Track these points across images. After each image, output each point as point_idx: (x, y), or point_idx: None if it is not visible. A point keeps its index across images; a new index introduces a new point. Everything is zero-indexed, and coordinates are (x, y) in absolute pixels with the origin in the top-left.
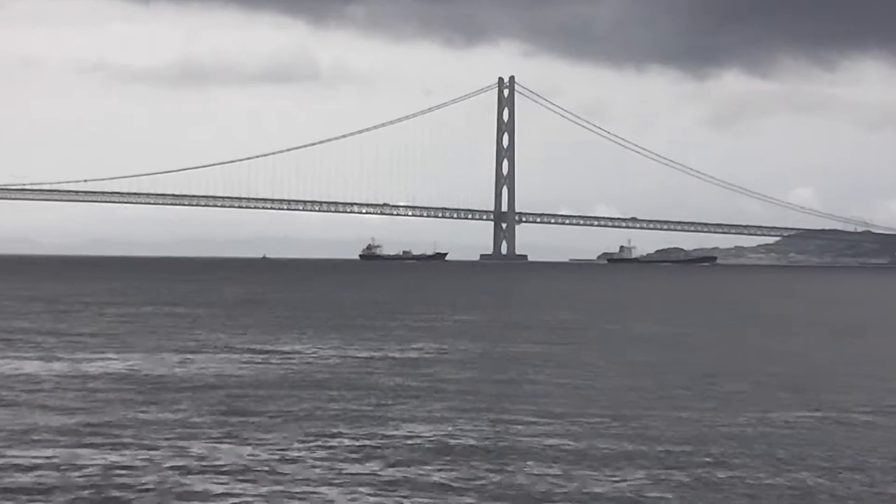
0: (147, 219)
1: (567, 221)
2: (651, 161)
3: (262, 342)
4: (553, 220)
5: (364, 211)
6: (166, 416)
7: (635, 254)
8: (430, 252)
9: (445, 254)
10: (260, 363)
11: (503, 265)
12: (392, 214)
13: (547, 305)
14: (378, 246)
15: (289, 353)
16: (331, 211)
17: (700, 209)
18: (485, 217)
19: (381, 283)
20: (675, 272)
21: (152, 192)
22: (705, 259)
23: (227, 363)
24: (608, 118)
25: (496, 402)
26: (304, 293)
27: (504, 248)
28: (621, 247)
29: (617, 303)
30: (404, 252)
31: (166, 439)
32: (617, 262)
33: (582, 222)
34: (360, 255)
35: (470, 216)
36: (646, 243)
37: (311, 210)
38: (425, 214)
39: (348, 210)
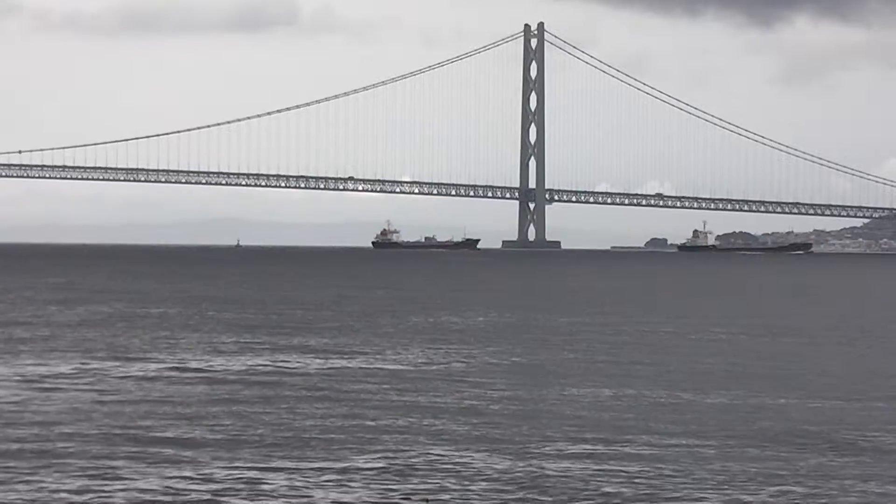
0: (86, 198)
1: (608, 201)
2: (708, 126)
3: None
4: (591, 200)
5: (360, 188)
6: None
7: (711, 240)
8: (457, 238)
9: (477, 241)
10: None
11: (531, 254)
12: (388, 192)
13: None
14: (395, 231)
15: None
16: (318, 188)
17: (768, 184)
18: (508, 196)
19: (383, 278)
20: (768, 263)
21: (89, 165)
22: (797, 246)
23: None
24: (656, 74)
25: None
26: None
27: (532, 234)
28: (695, 231)
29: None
30: (426, 238)
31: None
32: (690, 250)
33: (626, 202)
34: (374, 243)
35: (489, 194)
36: (703, 227)
37: (294, 187)
38: (434, 192)
39: (340, 187)
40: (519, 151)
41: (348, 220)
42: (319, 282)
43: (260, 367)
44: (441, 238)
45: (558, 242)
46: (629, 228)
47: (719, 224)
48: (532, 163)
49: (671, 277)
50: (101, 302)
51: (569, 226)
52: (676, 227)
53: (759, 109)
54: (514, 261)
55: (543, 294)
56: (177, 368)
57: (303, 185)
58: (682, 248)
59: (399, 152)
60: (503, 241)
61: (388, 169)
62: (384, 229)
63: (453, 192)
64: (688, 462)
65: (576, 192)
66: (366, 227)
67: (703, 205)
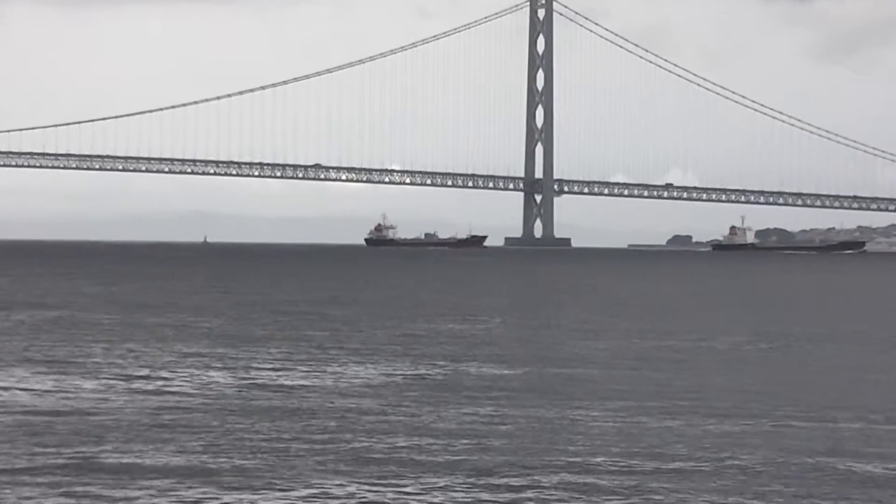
0: (24, 189)
1: (625, 193)
2: (737, 108)
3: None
4: (605, 191)
5: (344, 178)
6: None
7: (750, 237)
8: (461, 235)
9: (483, 237)
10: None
11: (538, 253)
12: (374, 182)
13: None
14: (391, 227)
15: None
16: (297, 177)
17: (805, 175)
18: (511, 187)
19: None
20: (822, 264)
21: (27, 151)
22: (848, 245)
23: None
24: (677, 49)
25: None
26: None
27: (538, 230)
28: (732, 228)
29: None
30: (427, 235)
31: None
32: (725, 248)
33: (646, 194)
34: (367, 240)
35: (490, 185)
36: (733, 222)
37: (269, 176)
38: (428, 182)
39: (321, 176)
40: (524, 137)
41: (336, 215)
42: (298, 283)
43: (220, 383)
44: (443, 234)
45: (568, 240)
46: (649, 224)
47: (750, 220)
48: (539, 150)
49: (736, 281)
50: (36, 307)
51: (580, 221)
52: (702, 222)
53: (793, 89)
54: (518, 260)
55: (557, 297)
56: (125, 383)
57: (279, 175)
58: (716, 246)
59: (388, 138)
60: (506, 239)
61: (375, 156)
62: (379, 224)
63: (449, 183)
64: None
65: (588, 183)
66: (357, 223)
67: (733, 198)
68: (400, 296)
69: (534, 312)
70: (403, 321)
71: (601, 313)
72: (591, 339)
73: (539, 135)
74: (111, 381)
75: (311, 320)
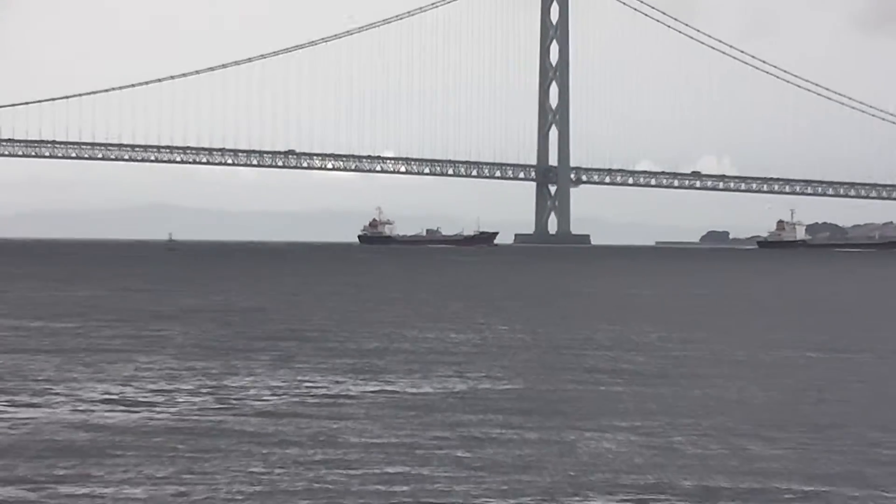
0: None
1: (651, 182)
2: (778, 84)
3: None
4: (630, 181)
5: (329, 165)
6: None
7: (801, 233)
8: (468, 231)
9: (494, 234)
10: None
11: (553, 251)
12: (364, 171)
13: None
14: (387, 222)
15: None
16: (276, 166)
17: (857, 161)
18: (522, 176)
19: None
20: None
21: None
22: None
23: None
24: (709, 18)
25: None
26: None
27: (553, 225)
28: (780, 223)
29: None
30: (428, 231)
31: None
32: (772, 246)
33: (675, 183)
34: (361, 237)
35: (498, 174)
36: (777, 215)
37: (234, 164)
38: (426, 171)
39: (303, 164)
40: (536, 119)
41: (325, 209)
42: (275, 285)
43: (189, 401)
44: (448, 231)
45: (587, 236)
46: (679, 219)
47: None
48: (553, 133)
49: (789, 283)
50: None
51: (601, 215)
52: (740, 216)
53: (843, 64)
54: (530, 259)
55: (570, 300)
56: (79, 403)
57: (248, 162)
58: (762, 243)
59: (378, 120)
60: (515, 236)
61: (364, 141)
62: (374, 219)
63: (450, 172)
64: None
65: (609, 172)
66: (350, 218)
67: (776, 188)
68: (391, 301)
69: (545, 321)
70: (393, 328)
71: (621, 321)
72: (613, 350)
73: (553, 116)
74: (63, 400)
75: (291, 330)
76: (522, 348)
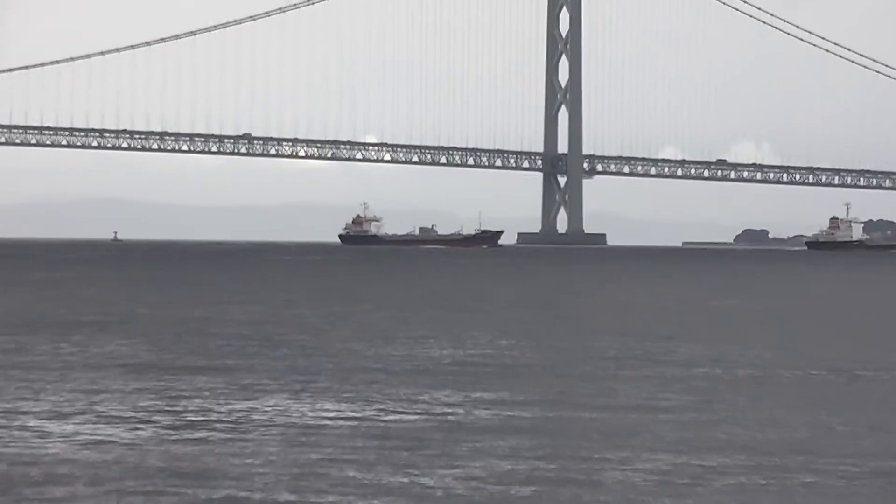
0: None
1: (678, 173)
2: (827, 59)
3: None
4: (652, 171)
5: (301, 152)
6: None
7: (858, 232)
8: (468, 230)
9: (498, 233)
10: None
11: (563, 252)
12: (342, 159)
13: None
14: (374, 219)
15: None
16: (239, 153)
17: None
18: (527, 165)
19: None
20: None
21: None
22: None
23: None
24: None
25: None
26: None
27: (563, 222)
28: (833, 220)
29: None
30: (422, 230)
31: None
32: (822, 247)
33: (706, 174)
34: (342, 236)
35: (499, 163)
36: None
37: (202, 151)
38: (414, 160)
39: (272, 150)
40: (543, 98)
41: (298, 203)
42: (236, 294)
43: (131, 427)
44: (444, 229)
45: (603, 235)
46: (710, 215)
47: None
48: (563, 115)
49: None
50: None
51: (618, 210)
52: (781, 212)
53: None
54: (535, 262)
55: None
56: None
57: (214, 149)
58: (812, 243)
59: (358, 100)
60: (519, 235)
61: (343, 125)
62: (358, 216)
63: (443, 160)
64: None
65: (628, 160)
66: (328, 214)
67: (823, 179)
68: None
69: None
70: (374, 343)
71: (641, 336)
72: (630, 369)
73: (563, 95)
74: None
75: (254, 347)
76: (524, 367)
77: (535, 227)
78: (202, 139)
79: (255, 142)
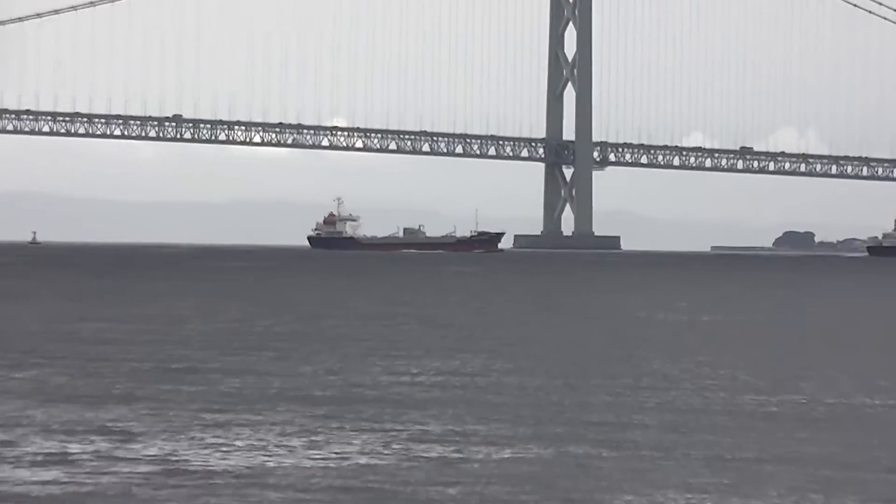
0: None
1: (706, 164)
2: (882, 26)
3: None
4: (676, 161)
5: (257, 138)
6: None
7: None
8: (462, 232)
9: (499, 235)
10: None
11: (569, 258)
12: (306, 146)
13: None
14: (350, 219)
15: None
16: (183, 138)
17: None
18: (526, 154)
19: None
20: None
21: None
22: None
23: None
24: None
25: None
26: None
27: (568, 222)
28: None
29: None
30: (406, 231)
31: None
32: (884, 253)
33: (739, 164)
34: (312, 238)
35: (493, 150)
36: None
37: (138, 137)
38: (392, 147)
39: (222, 136)
40: (545, 75)
41: (255, 198)
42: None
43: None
44: (434, 231)
45: (616, 238)
46: (744, 214)
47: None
48: (569, 95)
49: None
50: None
51: (635, 208)
52: (829, 211)
53: None
54: (536, 272)
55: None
56: None
57: (153, 134)
58: (875, 249)
59: (327, 78)
60: (516, 238)
61: (306, 107)
62: (331, 214)
63: (426, 148)
64: None
65: (647, 148)
66: (294, 211)
67: (880, 170)
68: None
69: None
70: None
71: (665, 370)
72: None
73: (570, 71)
74: None
75: (198, 373)
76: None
77: (535, 228)
78: (137, 123)
79: (203, 126)
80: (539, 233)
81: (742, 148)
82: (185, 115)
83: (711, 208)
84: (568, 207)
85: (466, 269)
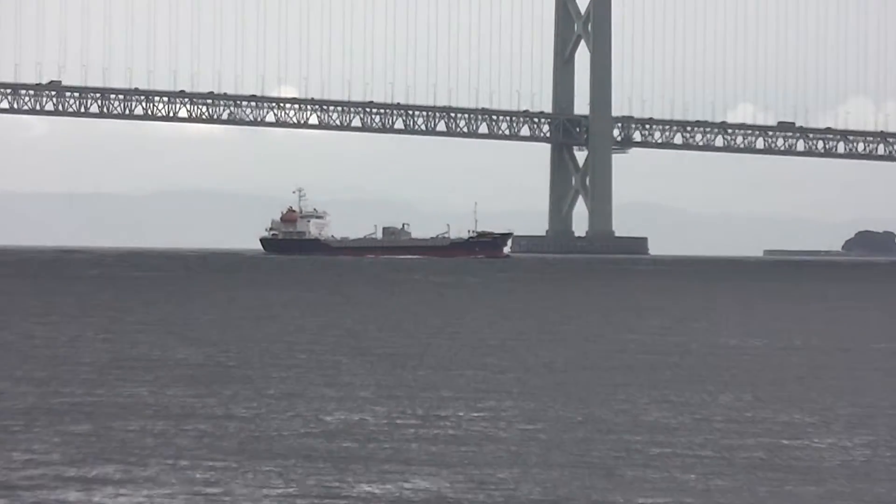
0: None
1: (756, 145)
2: None
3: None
4: (717, 142)
5: (183, 112)
6: None
7: None
8: (458, 233)
9: (506, 236)
10: None
11: (582, 266)
12: (251, 123)
13: None
14: (315, 215)
15: None
16: (90, 113)
17: None
18: (526, 131)
19: None
20: None
21: None
22: None
23: None
24: None
25: None
26: None
27: (581, 219)
28: None
29: None
30: (387, 231)
31: None
32: None
33: (799, 146)
34: (265, 240)
35: (484, 128)
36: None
37: (30, 111)
38: (354, 123)
39: (139, 108)
40: (551, 34)
41: (189, 188)
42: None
43: None
44: (421, 231)
45: (643, 241)
46: (806, 209)
47: None
48: (581, 57)
49: None
50: None
51: (665, 201)
52: None
53: None
54: (537, 285)
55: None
56: None
57: (51, 106)
58: None
59: (273, 39)
60: (514, 239)
61: (247, 74)
62: (290, 210)
63: (399, 125)
64: None
65: (682, 125)
66: (241, 206)
67: None
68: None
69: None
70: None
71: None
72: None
73: (583, 26)
74: None
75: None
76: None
77: (539, 226)
78: (26, 92)
79: (113, 97)
80: (543, 233)
81: (801, 126)
82: (94, 84)
83: (764, 202)
84: (580, 200)
85: (456, 281)
